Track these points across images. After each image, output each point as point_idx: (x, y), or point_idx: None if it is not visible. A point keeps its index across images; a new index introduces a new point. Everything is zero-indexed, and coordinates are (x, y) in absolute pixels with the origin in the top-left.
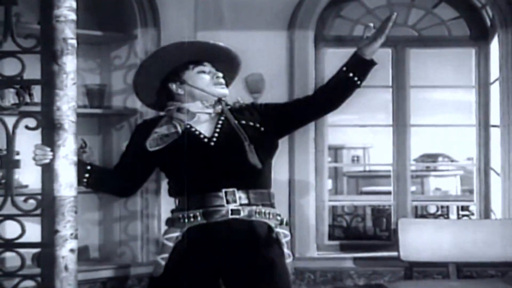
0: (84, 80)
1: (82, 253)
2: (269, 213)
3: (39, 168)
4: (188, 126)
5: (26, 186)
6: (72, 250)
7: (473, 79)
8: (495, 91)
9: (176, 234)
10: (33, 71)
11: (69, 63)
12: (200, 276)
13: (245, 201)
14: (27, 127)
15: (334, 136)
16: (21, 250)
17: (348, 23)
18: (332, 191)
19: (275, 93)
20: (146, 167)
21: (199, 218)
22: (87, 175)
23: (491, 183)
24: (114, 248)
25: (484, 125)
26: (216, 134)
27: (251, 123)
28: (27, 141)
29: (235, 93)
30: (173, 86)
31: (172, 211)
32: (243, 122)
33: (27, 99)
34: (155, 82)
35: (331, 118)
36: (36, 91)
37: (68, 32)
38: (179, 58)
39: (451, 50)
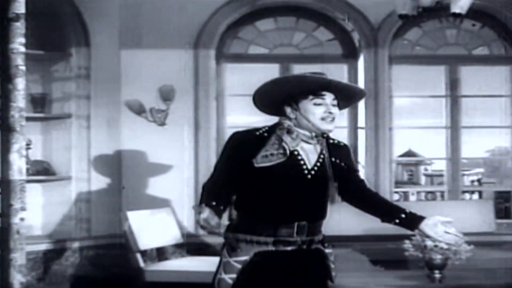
0: (29, 90)
1: (28, 231)
2: (321, 240)
3: None
4: (296, 153)
5: None
6: (22, 219)
7: None
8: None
9: (244, 258)
10: None
11: (20, 83)
12: None
13: (311, 232)
14: None
15: None
16: None
17: (244, 43)
18: None
19: (183, 100)
20: (248, 180)
21: (269, 246)
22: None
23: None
24: (53, 226)
25: (353, 127)
26: (316, 168)
27: (340, 162)
28: None
29: (149, 101)
30: (288, 109)
31: (235, 230)
32: (335, 160)
33: None
34: (272, 101)
35: None
36: None
37: (19, 61)
38: (299, 88)
39: (328, 66)
